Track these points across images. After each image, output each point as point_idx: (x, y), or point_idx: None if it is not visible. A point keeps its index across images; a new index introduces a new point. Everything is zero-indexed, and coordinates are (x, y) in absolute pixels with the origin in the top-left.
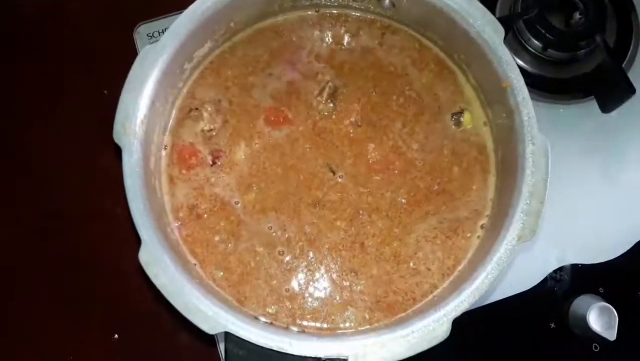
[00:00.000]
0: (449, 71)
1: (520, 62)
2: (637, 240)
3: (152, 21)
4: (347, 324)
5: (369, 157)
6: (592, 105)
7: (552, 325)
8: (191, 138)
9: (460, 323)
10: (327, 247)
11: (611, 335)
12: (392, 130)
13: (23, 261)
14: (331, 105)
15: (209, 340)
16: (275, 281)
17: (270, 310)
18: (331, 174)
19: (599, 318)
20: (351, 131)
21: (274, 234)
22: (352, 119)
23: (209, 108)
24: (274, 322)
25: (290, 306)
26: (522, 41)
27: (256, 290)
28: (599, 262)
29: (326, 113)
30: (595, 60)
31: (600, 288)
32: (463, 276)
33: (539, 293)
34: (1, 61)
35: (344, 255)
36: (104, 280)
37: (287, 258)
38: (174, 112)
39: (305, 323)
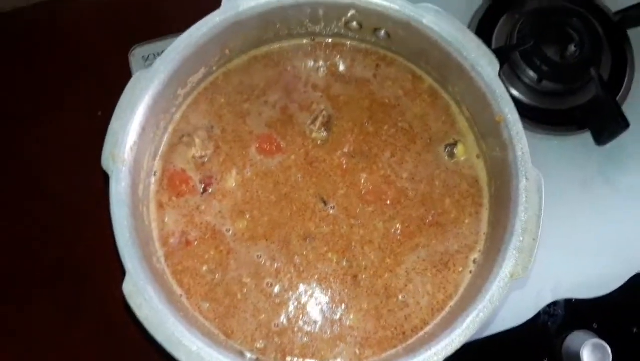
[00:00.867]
0: (443, 102)
1: (515, 93)
2: (631, 275)
3: (147, 43)
4: (337, 360)
5: (361, 187)
6: (587, 138)
7: None
8: (182, 164)
9: (452, 358)
10: (316, 277)
11: None
12: (383, 160)
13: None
14: (324, 133)
15: None
16: (263, 316)
17: (258, 345)
18: (322, 204)
19: (593, 355)
20: (344, 161)
21: (263, 263)
22: (345, 149)
23: (201, 135)
24: (260, 357)
25: (279, 342)
26: (518, 72)
27: (243, 324)
28: (593, 296)
29: (319, 142)
30: (590, 92)
31: (594, 324)
32: (454, 312)
33: (532, 327)
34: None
35: (334, 288)
36: (97, 296)
37: (276, 289)
38: (165, 137)
39: (294, 359)
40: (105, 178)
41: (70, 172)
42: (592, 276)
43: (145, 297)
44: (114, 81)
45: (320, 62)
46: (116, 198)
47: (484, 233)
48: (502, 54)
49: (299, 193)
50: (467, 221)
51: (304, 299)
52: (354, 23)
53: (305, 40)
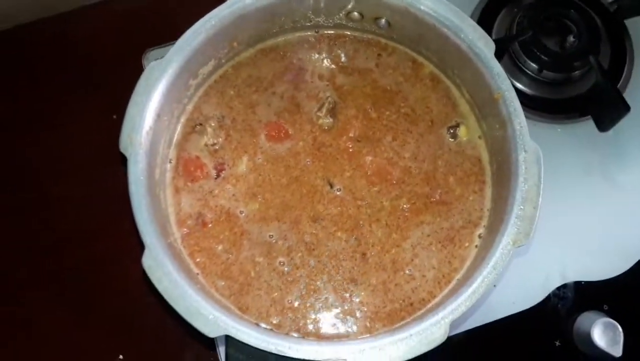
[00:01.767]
0: (444, 87)
1: (518, 84)
2: (639, 257)
3: (161, 47)
4: (350, 332)
5: (366, 169)
6: (589, 124)
7: (557, 343)
8: (196, 151)
9: (465, 341)
10: (326, 255)
11: (617, 351)
12: (387, 143)
13: (28, 275)
14: (330, 120)
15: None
16: (276, 293)
17: (273, 321)
18: (329, 187)
19: (604, 334)
20: (350, 145)
21: (275, 243)
22: (351, 134)
23: (213, 124)
24: (274, 329)
25: (293, 317)
26: (519, 63)
27: (258, 301)
28: (603, 279)
29: (326, 128)
30: (590, 80)
31: (605, 306)
32: (461, 283)
33: (542, 310)
34: (12, 83)
35: (344, 265)
36: (109, 298)
37: (288, 268)
38: (179, 126)
39: (308, 333)
40: (122, 170)
41: (87, 173)
42: (601, 259)
43: (164, 271)
44: (128, 84)
45: (324, 54)
46: (134, 178)
47: (487, 210)
48: (502, 45)
49: (308, 176)
50: (471, 198)
51: (315, 276)
52: (356, 13)
53: (309, 33)
